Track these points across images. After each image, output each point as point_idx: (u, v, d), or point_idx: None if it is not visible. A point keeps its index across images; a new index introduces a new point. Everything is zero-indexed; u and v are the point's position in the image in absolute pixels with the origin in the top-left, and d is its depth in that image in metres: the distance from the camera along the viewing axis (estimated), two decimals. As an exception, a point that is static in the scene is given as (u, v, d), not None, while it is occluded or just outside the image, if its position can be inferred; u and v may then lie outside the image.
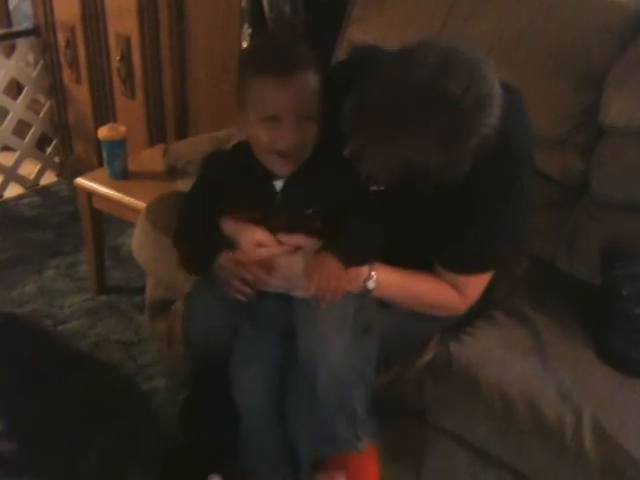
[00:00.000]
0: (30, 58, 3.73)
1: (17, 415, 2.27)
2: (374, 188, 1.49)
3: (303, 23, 2.82)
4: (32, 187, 3.78)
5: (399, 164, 1.37)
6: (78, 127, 3.72)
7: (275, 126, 1.51)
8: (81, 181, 2.71)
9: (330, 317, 1.55)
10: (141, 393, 2.41)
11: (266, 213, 1.60)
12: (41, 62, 3.65)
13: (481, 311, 1.85)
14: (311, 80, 1.51)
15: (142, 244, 2.24)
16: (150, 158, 2.82)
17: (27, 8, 3.77)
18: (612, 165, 2.03)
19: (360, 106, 1.40)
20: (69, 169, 3.75)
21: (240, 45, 2.89)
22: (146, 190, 2.55)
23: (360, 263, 1.58)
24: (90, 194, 2.71)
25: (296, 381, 1.66)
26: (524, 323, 1.87)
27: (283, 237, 1.57)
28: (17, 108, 3.58)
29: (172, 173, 2.54)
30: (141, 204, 2.44)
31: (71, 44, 3.48)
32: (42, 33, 3.57)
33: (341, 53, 2.51)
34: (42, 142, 3.81)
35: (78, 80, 3.57)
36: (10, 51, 3.63)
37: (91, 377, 2.48)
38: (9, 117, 3.57)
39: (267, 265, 1.58)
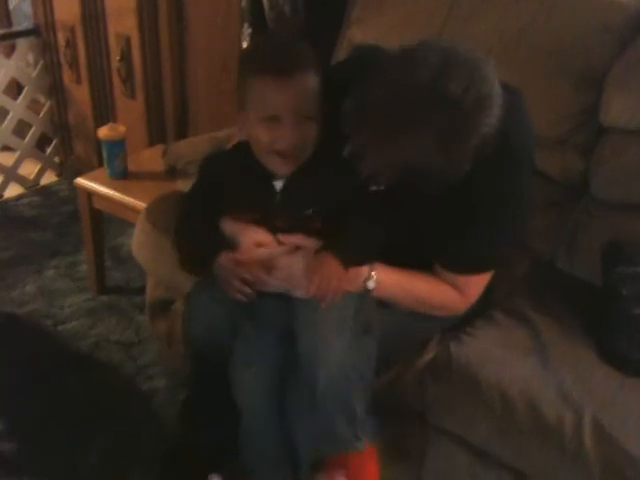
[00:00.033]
0: (30, 58, 3.73)
1: (17, 415, 2.28)
2: (374, 188, 1.48)
3: (303, 23, 2.82)
4: (32, 187, 3.78)
5: (399, 164, 1.37)
6: (78, 127, 3.72)
7: (275, 126, 1.51)
8: (81, 181, 2.71)
9: (330, 318, 1.55)
10: (141, 393, 2.41)
11: (266, 213, 1.60)
12: (41, 62, 3.65)
13: (481, 311, 1.85)
14: (311, 80, 1.51)
15: (142, 244, 2.24)
16: (150, 158, 2.82)
17: (27, 8, 3.77)
18: (612, 165, 2.03)
19: (360, 106, 1.40)
20: (69, 169, 3.75)
21: (240, 45, 2.88)
22: (146, 190, 2.55)
23: (360, 263, 1.57)
24: (90, 194, 2.71)
25: (296, 381, 1.66)
26: (524, 323, 1.87)
27: (283, 237, 1.56)
28: (17, 108, 3.58)
29: (172, 173, 2.55)
30: (141, 204, 2.44)
31: (71, 44, 3.48)
32: (42, 33, 3.57)
33: (341, 53, 2.51)
34: (42, 142, 3.81)
35: (78, 80, 3.57)
36: (10, 51, 3.63)
37: (91, 377, 2.48)
38: (9, 117, 3.57)
39: (267, 265, 1.58)
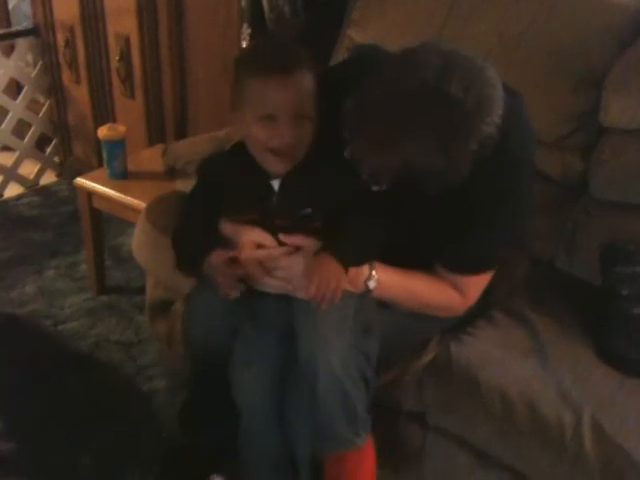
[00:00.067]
0: (29, 58, 3.73)
1: (17, 415, 2.28)
2: (375, 188, 1.48)
3: (303, 23, 2.82)
4: (32, 187, 3.78)
5: (400, 165, 1.37)
6: (77, 127, 3.72)
7: (271, 125, 1.51)
8: (81, 181, 2.71)
9: (330, 318, 1.55)
10: (141, 394, 2.41)
11: (264, 213, 1.60)
12: (40, 62, 3.66)
13: (481, 311, 1.85)
14: (306, 80, 1.52)
15: (142, 244, 2.24)
16: (149, 158, 2.82)
17: (26, 8, 3.78)
18: (612, 165, 2.03)
19: (361, 107, 1.41)
20: (69, 169, 3.75)
21: (239, 45, 2.88)
22: (146, 190, 2.55)
23: (360, 263, 1.57)
24: (90, 194, 2.71)
25: (296, 382, 1.66)
26: (524, 323, 1.87)
27: (284, 237, 1.56)
28: (16, 108, 3.59)
29: (171, 173, 2.55)
30: (141, 204, 2.45)
31: (70, 44, 3.48)
32: (41, 33, 3.57)
33: (341, 53, 2.51)
34: (42, 142, 3.82)
35: (77, 80, 3.57)
36: (9, 51, 3.63)
37: (91, 377, 2.48)
38: (8, 117, 3.57)
39: (267, 266, 1.58)
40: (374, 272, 1.60)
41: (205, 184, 1.71)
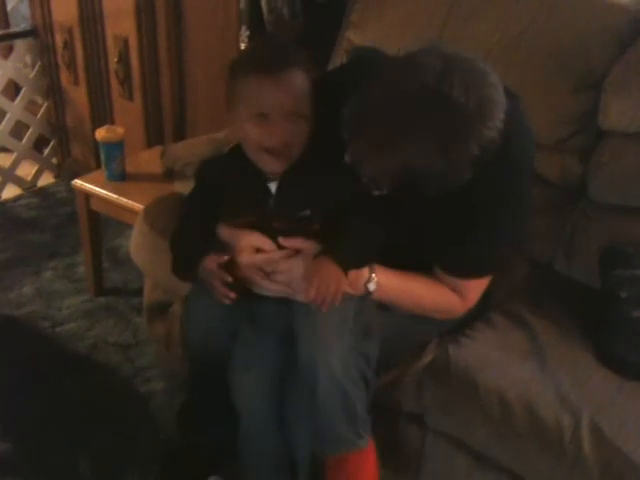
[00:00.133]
0: (28, 59, 3.72)
1: (15, 416, 2.27)
2: (377, 193, 1.48)
3: (301, 25, 2.82)
4: (30, 188, 3.77)
5: (399, 167, 1.36)
6: (76, 128, 3.72)
7: (264, 124, 1.52)
8: (79, 183, 2.71)
9: (330, 321, 1.55)
10: (139, 395, 2.41)
11: (262, 216, 1.60)
12: (39, 63, 3.65)
13: (479, 314, 1.85)
14: (299, 79, 1.52)
15: (140, 246, 2.23)
16: (148, 160, 2.82)
17: (25, 9, 3.78)
18: (611, 168, 2.03)
19: (360, 109, 1.41)
20: (67, 170, 3.75)
21: (238, 47, 2.88)
22: (144, 192, 2.55)
23: (360, 266, 1.57)
24: (88, 196, 2.71)
25: (296, 384, 1.66)
26: (522, 326, 1.87)
27: (283, 240, 1.56)
28: (15, 109, 3.58)
29: (170, 175, 2.54)
30: (139, 206, 2.44)
31: (69, 45, 3.48)
32: (40, 34, 3.57)
33: (339, 56, 2.51)
34: (39, 143, 3.82)
35: (76, 81, 3.57)
36: (8, 52, 3.63)
37: (89, 379, 2.48)
38: (6, 118, 3.57)
39: (267, 270, 1.57)
40: (374, 274, 1.59)
41: (203, 187, 1.70)
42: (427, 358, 1.79)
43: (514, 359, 1.75)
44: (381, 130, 1.36)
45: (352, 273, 1.53)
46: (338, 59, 2.50)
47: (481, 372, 1.71)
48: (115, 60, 3.28)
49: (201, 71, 3.11)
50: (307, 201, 1.57)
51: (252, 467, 1.77)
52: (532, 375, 1.70)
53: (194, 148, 2.53)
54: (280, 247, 1.56)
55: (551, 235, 2.14)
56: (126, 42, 3.21)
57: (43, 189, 3.80)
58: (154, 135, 3.34)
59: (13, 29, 3.72)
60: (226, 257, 1.58)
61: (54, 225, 3.43)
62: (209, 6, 2.94)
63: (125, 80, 3.31)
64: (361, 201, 1.55)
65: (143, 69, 3.23)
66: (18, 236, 3.33)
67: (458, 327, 1.84)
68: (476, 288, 1.70)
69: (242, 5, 2.85)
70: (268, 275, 1.58)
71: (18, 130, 3.65)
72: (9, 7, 3.86)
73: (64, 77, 3.61)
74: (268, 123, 1.51)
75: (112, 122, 3.39)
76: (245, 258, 1.57)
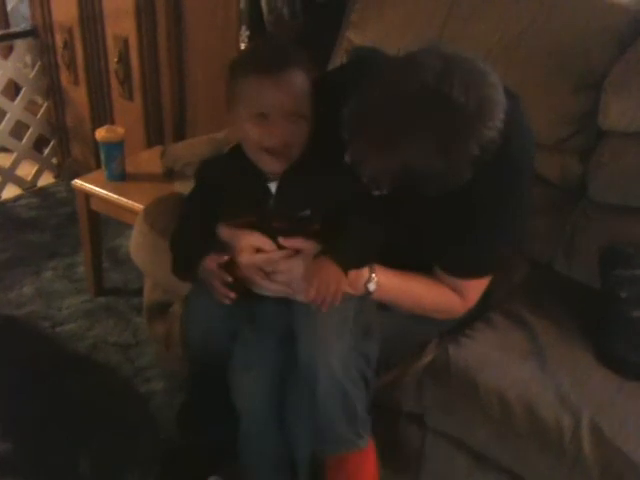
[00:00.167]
0: (28, 59, 3.72)
1: (15, 416, 2.27)
2: (377, 193, 1.48)
3: (301, 25, 2.82)
4: (30, 188, 3.77)
5: (399, 167, 1.36)
6: (76, 129, 3.72)
7: (263, 123, 1.52)
8: (79, 183, 2.71)
9: (330, 321, 1.55)
10: (139, 395, 2.41)
11: (262, 216, 1.60)
12: (39, 63, 3.65)
13: (479, 314, 1.85)
14: (299, 79, 1.52)
15: (140, 246, 2.23)
16: (148, 160, 2.82)
17: (25, 9, 3.78)
18: (611, 168, 2.03)
19: (360, 109, 1.40)
20: (67, 170, 3.75)
21: (238, 47, 2.88)
22: (144, 192, 2.55)
23: (360, 266, 1.57)
24: (88, 196, 2.71)
25: (296, 384, 1.66)
26: (522, 326, 1.87)
27: (283, 240, 1.56)
28: (15, 109, 3.58)
29: (170, 175, 2.54)
30: (139, 206, 2.44)
31: (69, 45, 3.48)
32: (40, 34, 3.57)
33: (339, 55, 2.51)
34: (39, 143, 3.82)
35: (76, 81, 3.57)
36: (8, 52, 3.63)
37: (89, 379, 2.48)
38: (6, 118, 3.57)
39: (267, 270, 1.57)
40: (374, 274, 1.59)
41: (203, 187, 1.70)
42: (427, 358, 1.79)
43: (514, 359, 1.75)
44: (381, 130, 1.36)
45: (352, 273, 1.53)
46: (338, 59, 2.50)
47: (481, 372, 1.71)
48: (115, 60, 3.28)
49: (201, 71, 3.11)
50: (307, 201, 1.57)
51: (252, 467, 1.77)
52: (532, 375, 1.70)
53: (194, 148, 2.53)
54: (280, 247, 1.56)
55: (551, 235, 2.14)
56: (126, 42, 3.21)
57: (43, 189, 3.80)
58: (154, 135, 3.34)
59: (13, 29, 3.72)
60: (226, 257, 1.58)
61: (54, 225, 3.43)
62: (209, 6, 2.94)
63: (125, 80, 3.31)
64: (361, 201, 1.55)
65: (143, 69, 3.23)
66: (18, 236, 3.33)
67: (458, 327, 1.84)
68: (476, 288, 1.70)
69: (242, 5, 2.85)
70: (268, 275, 1.58)
71: (18, 130, 3.65)
72: (9, 7, 3.86)
73: (64, 77, 3.61)
74: (268, 123, 1.51)
75: (112, 122, 3.39)
76: (245, 258, 1.57)
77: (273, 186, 1.59)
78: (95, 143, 2.90)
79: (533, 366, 1.73)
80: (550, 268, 2.15)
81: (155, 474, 2.05)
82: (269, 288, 1.60)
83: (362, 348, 1.61)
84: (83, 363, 2.56)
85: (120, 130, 2.72)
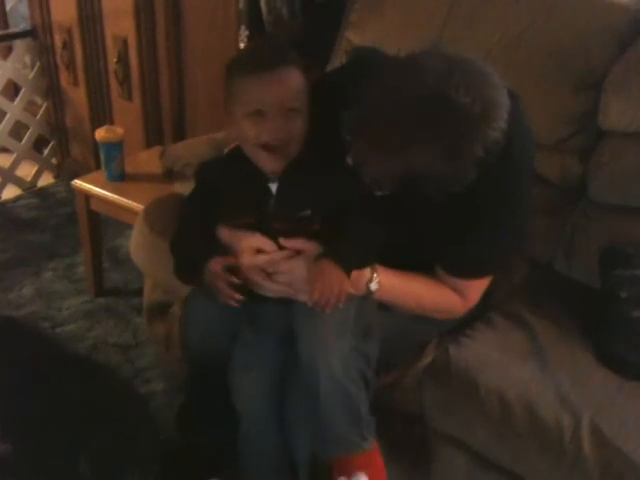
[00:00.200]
0: (27, 60, 3.72)
1: (15, 417, 2.27)
2: (379, 194, 1.48)
3: (301, 25, 2.82)
4: (29, 189, 3.77)
5: (401, 169, 1.36)
6: (75, 129, 3.71)
7: (260, 120, 1.53)
8: (78, 183, 2.71)
9: (331, 321, 1.54)
10: (139, 396, 2.41)
11: (261, 217, 1.60)
12: (38, 64, 3.65)
13: (480, 314, 1.85)
14: (293, 75, 1.54)
15: (140, 246, 2.23)
16: (147, 160, 2.82)
17: (24, 10, 3.77)
18: (611, 168, 2.03)
19: (361, 110, 1.40)
20: (66, 171, 3.75)
21: (237, 47, 2.88)
22: (143, 192, 2.55)
23: (361, 266, 1.57)
24: (87, 196, 2.71)
25: (296, 385, 1.65)
26: (522, 326, 1.87)
27: (284, 241, 1.56)
28: (14, 110, 3.58)
29: (169, 175, 2.54)
30: (138, 206, 2.44)
31: (68, 46, 3.48)
32: (39, 35, 3.57)
33: (339, 56, 2.51)
34: (39, 144, 3.82)
35: (75, 82, 3.57)
36: (7, 53, 3.63)
37: (89, 379, 2.48)
38: (6, 119, 3.57)
39: (268, 271, 1.57)
40: (375, 274, 1.59)
41: (203, 188, 1.70)
42: (427, 358, 1.79)
43: (514, 359, 1.75)
44: (382, 132, 1.36)
45: (354, 273, 1.53)
46: (338, 59, 2.50)
47: (481, 372, 1.71)
48: (114, 60, 3.28)
49: (200, 71, 3.11)
50: (307, 201, 1.57)
51: (252, 469, 1.76)
52: (532, 375, 1.70)
53: (194, 148, 2.53)
54: (281, 248, 1.57)
55: (551, 235, 2.14)
56: (125, 42, 3.21)
57: (43, 189, 3.80)
58: (153, 135, 3.34)
59: (12, 29, 3.72)
60: (231, 260, 1.59)
61: (54, 225, 3.43)
62: (208, 6, 2.94)
63: (124, 80, 3.31)
64: (363, 201, 1.55)
65: (142, 69, 3.23)
66: (18, 236, 3.33)
67: (458, 327, 1.84)
68: (477, 288, 1.70)
69: (241, 5, 2.85)
70: (269, 276, 1.58)
71: (18, 130, 3.66)
72: (8, 7, 3.86)
73: (63, 77, 3.61)
74: (265, 120, 1.52)
75: (111, 122, 3.39)
76: (246, 259, 1.58)
77: (273, 186, 1.59)
78: (95, 143, 2.90)
79: (533, 366, 1.73)
80: (550, 268, 2.15)
81: (155, 474, 2.05)
82: (271, 289, 1.60)
83: (362, 348, 1.60)
84: (83, 364, 2.56)
85: (119, 130, 2.72)
